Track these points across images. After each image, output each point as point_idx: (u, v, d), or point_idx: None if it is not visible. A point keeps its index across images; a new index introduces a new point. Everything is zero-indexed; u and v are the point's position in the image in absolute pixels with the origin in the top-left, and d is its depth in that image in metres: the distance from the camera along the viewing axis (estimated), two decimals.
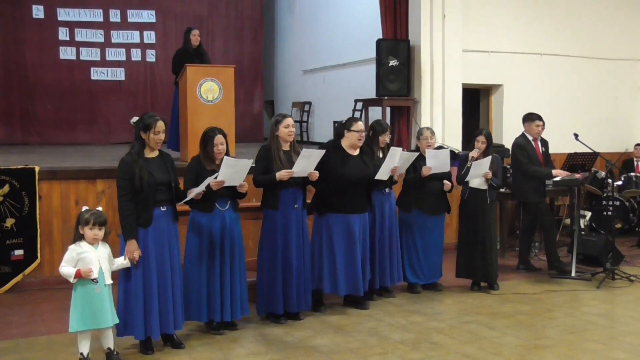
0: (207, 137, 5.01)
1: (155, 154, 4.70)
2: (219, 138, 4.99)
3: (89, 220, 4.36)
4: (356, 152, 5.76)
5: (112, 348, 4.49)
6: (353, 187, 5.62)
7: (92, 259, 4.35)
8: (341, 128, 5.82)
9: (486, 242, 6.38)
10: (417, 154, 6.25)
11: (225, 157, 4.87)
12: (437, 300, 6.17)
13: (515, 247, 8.06)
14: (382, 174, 5.78)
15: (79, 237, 4.39)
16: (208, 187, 4.79)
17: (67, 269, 4.32)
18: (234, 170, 4.88)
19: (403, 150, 6.17)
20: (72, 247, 4.38)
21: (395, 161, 5.86)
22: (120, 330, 4.63)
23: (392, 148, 5.88)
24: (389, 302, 6.07)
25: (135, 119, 4.72)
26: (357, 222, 5.66)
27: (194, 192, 4.74)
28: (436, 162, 6.15)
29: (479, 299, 6.20)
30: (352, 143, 5.71)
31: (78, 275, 4.29)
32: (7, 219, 6.31)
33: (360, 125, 5.73)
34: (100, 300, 4.34)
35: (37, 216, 6.41)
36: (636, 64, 10.71)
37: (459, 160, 6.61)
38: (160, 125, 4.62)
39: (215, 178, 4.81)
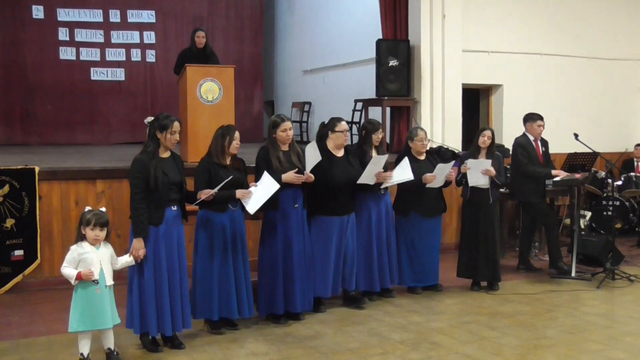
0: (226, 131, 5.08)
1: (168, 154, 4.76)
2: (237, 134, 5.11)
3: (90, 220, 4.36)
4: (341, 153, 5.74)
5: (112, 348, 4.49)
6: (340, 189, 5.60)
7: (93, 259, 4.36)
8: (324, 129, 5.76)
9: (489, 241, 6.37)
10: (411, 178, 6.01)
11: (266, 172, 4.97)
12: (437, 300, 6.17)
13: (515, 247, 8.06)
14: (366, 179, 5.69)
15: (81, 238, 4.40)
16: (225, 189, 4.83)
17: (68, 270, 4.32)
18: (263, 188, 4.97)
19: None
20: (73, 247, 4.39)
21: (379, 168, 5.77)
22: (136, 328, 4.67)
23: (375, 156, 5.77)
24: (389, 302, 6.07)
25: (149, 118, 4.78)
26: (343, 224, 5.65)
27: (205, 194, 4.76)
28: (440, 177, 6.12)
29: (479, 299, 6.19)
30: (337, 144, 5.69)
31: (79, 277, 4.29)
32: (7, 219, 6.31)
33: (344, 125, 5.71)
34: (100, 301, 4.35)
35: (37, 216, 6.41)
36: (636, 64, 10.71)
37: (459, 160, 6.60)
38: (177, 125, 4.69)
39: (228, 182, 4.85)
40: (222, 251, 5.04)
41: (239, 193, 4.94)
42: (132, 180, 4.61)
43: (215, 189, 4.79)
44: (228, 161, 5.09)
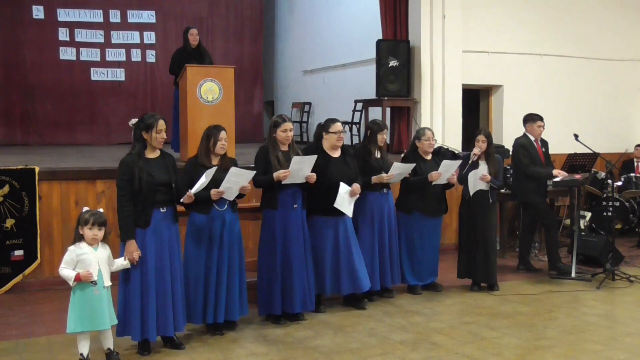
0: (211, 132, 5.05)
1: (157, 154, 4.71)
2: (223, 134, 5.05)
3: (88, 220, 4.36)
4: (337, 154, 5.73)
5: (111, 348, 4.49)
6: (336, 189, 5.57)
7: (91, 260, 4.35)
8: (320, 130, 5.78)
9: (487, 242, 6.38)
10: (414, 165, 6.15)
11: (233, 167, 4.91)
12: (437, 300, 6.17)
13: (515, 248, 8.06)
14: (341, 205, 5.54)
15: (79, 238, 4.39)
16: (206, 191, 4.79)
17: (66, 271, 4.31)
18: (236, 180, 4.92)
19: (404, 152, 6.15)
20: (71, 248, 4.38)
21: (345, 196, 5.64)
22: (119, 331, 4.63)
23: (343, 185, 5.54)
24: (389, 302, 6.07)
25: (134, 120, 4.73)
26: (340, 224, 5.63)
27: (187, 197, 4.71)
28: (445, 174, 6.15)
29: (479, 300, 6.20)
30: (332, 144, 5.68)
31: (78, 279, 4.28)
32: (7, 219, 6.31)
33: (338, 126, 5.69)
34: (98, 302, 4.34)
35: (37, 217, 6.41)
36: (636, 64, 10.72)
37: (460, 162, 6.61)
38: (162, 124, 4.64)
39: (204, 183, 4.80)
40: (207, 255, 4.99)
41: (213, 195, 4.86)
42: (118, 182, 4.59)
43: (192, 191, 4.72)
44: (215, 162, 5.04)
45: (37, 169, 6.46)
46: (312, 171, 5.35)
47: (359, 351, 4.77)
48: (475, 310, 5.85)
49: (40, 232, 6.44)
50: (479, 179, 6.29)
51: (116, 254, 4.60)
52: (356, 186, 5.62)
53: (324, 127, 5.73)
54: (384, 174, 5.90)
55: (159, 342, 4.81)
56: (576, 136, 7.25)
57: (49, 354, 4.73)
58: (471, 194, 6.33)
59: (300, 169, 5.24)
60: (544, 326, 5.38)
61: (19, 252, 6.36)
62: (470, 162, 6.37)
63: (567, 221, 8.56)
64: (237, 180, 4.93)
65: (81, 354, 4.36)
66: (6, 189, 6.31)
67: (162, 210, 4.65)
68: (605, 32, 10.38)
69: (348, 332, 5.20)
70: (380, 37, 9.15)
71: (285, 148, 5.40)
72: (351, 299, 5.89)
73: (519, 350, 4.80)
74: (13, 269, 6.33)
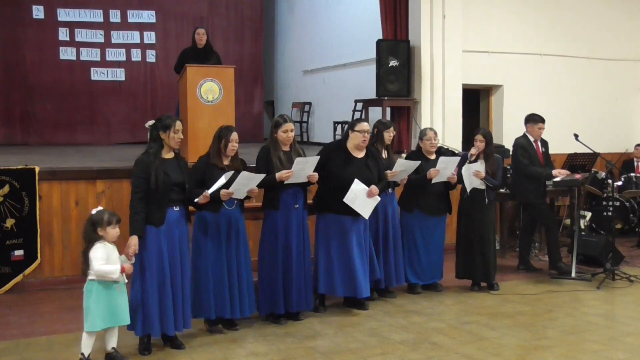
0: (223, 133, 5.09)
1: (171, 155, 4.78)
2: (234, 135, 5.10)
3: (110, 220, 4.41)
4: (361, 155, 5.71)
5: (116, 347, 4.50)
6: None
7: (116, 257, 4.43)
8: (347, 128, 5.80)
9: (484, 241, 6.38)
10: (419, 162, 6.18)
11: (244, 172, 4.96)
12: (437, 300, 6.17)
13: (515, 248, 8.06)
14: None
15: (96, 238, 4.39)
16: (216, 191, 4.83)
17: (107, 266, 4.33)
18: (245, 182, 4.95)
19: (404, 151, 6.16)
20: (99, 245, 4.37)
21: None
22: (138, 329, 4.65)
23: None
24: (389, 302, 6.07)
25: (150, 122, 4.82)
26: (355, 224, 5.63)
27: (204, 197, 4.77)
28: (444, 171, 6.16)
29: (479, 300, 6.20)
30: (356, 144, 5.67)
31: (123, 271, 4.35)
32: (7, 219, 6.31)
33: (364, 125, 5.66)
34: (120, 298, 4.40)
35: (37, 216, 6.41)
36: (636, 64, 10.72)
37: (459, 162, 6.60)
38: (179, 124, 4.74)
39: (229, 182, 4.85)
40: (215, 251, 5.05)
41: (222, 196, 4.89)
42: (133, 180, 4.65)
43: (209, 191, 4.78)
44: (226, 162, 5.10)
45: (37, 169, 6.46)
46: (331, 169, 5.37)
47: (359, 351, 4.77)
48: (475, 310, 5.85)
49: (41, 232, 6.43)
50: (472, 175, 6.29)
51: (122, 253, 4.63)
52: (374, 187, 5.56)
53: (351, 125, 5.74)
54: (387, 171, 5.91)
55: (159, 341, 4.82)
56: (576, 136, 7.24)
57: (49, 353, 4.73)
58: (468, 190, 6.34)
59: (303, 169, 5.24)
60: (544, 326, 5.38)
61: (19, 252, 6.35)
62: (468, 162, 6.37)
63: (567, 221, 8.57)
64: (247, 182, 4.97)
65: (82, 354, 4.36)
66: (6, 189, 6.31)
67: (175, 209, 4.72)
68: (605, 32, 10.38)
69: (348, 332, 5.20)
70: (380, 37, 9.15)
71: (286, 148, 5.40)
72: (351, 300, 5.89)
73: (519, 350, 4.81)
74: (13, 268, 6.33)
